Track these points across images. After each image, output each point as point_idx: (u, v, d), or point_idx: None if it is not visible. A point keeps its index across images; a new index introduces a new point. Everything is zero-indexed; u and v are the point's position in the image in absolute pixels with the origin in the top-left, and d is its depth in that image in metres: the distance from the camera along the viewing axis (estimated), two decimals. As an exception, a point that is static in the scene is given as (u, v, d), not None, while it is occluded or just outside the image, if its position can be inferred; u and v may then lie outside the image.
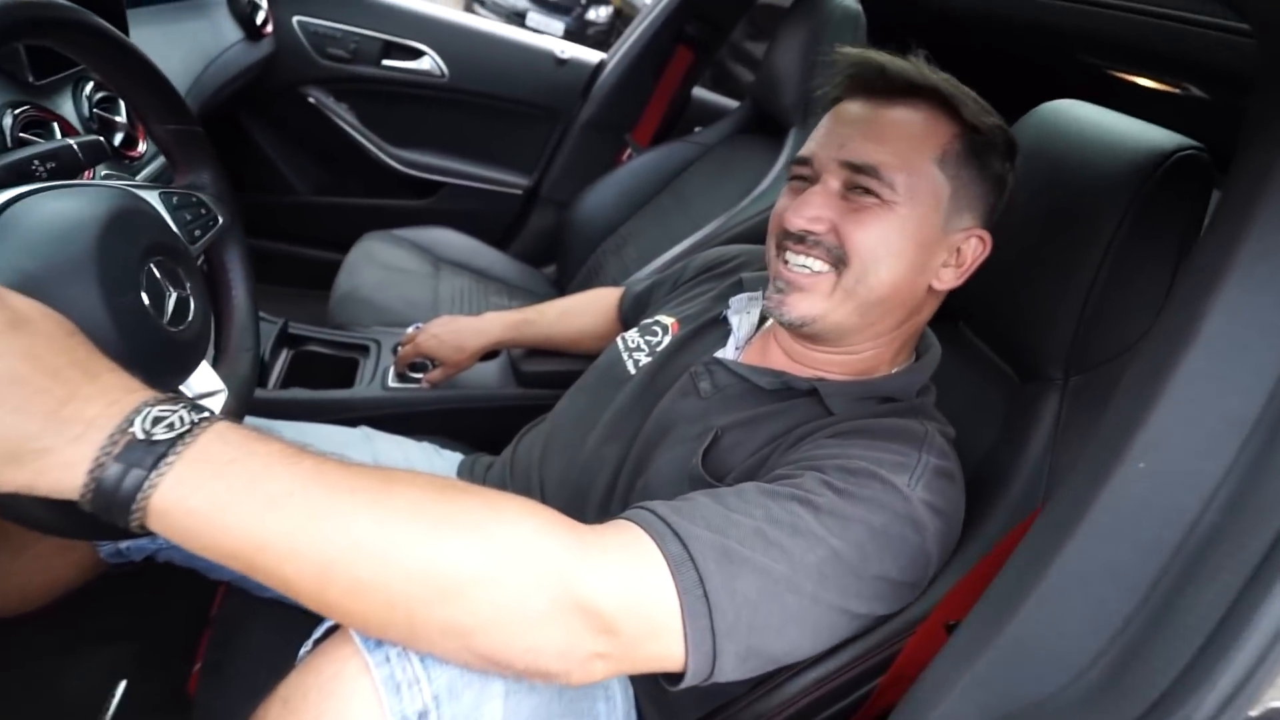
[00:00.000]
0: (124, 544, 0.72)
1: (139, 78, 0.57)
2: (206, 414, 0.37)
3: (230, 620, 0.76)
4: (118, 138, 0.82)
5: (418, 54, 1.55)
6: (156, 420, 0.35)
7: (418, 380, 1.05)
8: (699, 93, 1.80)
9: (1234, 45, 0.77)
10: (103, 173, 0.71)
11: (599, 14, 6.52)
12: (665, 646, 0.43)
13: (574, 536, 0.41)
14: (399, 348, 1.05)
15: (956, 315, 0.86)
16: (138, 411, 0.35)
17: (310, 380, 1.05)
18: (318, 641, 0.45)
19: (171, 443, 0.35)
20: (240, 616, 0.76)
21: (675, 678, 0.45)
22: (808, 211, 0.59)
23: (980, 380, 0.80)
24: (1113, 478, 0.39)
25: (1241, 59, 0.77)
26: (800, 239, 0.59)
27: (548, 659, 0.39)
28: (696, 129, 1.64)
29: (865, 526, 0.48)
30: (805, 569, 0.45)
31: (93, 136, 0.67)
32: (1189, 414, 0.38)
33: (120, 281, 0.49)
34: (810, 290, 0.60)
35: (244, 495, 0.35)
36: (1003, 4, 1.11)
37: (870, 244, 0.58)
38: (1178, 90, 1.04)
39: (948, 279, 0.62)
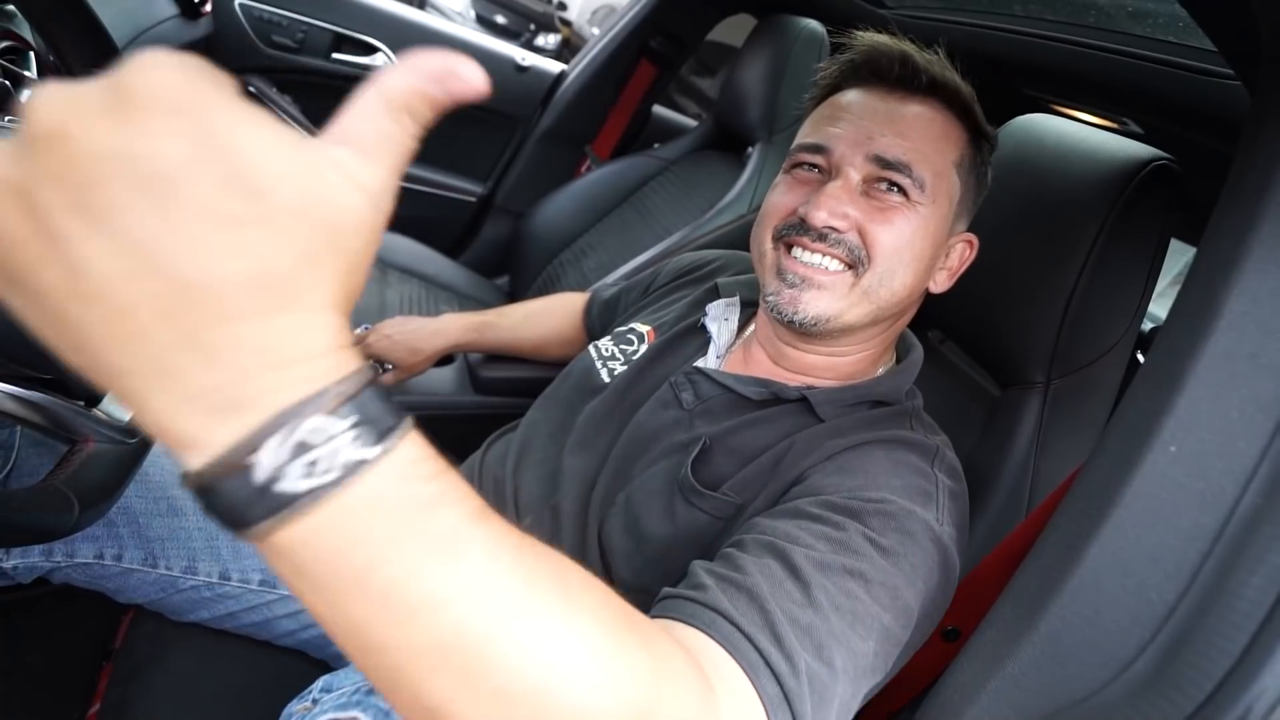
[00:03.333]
0: (10, 562, 0.60)
1: (65, 8, 0.50)
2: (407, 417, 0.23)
3: (138, 651, 0.65)
4: (25, 95, 0.72)
5: (371, 50, 1.48)
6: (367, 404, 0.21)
7: (365, 385, 0.97)
8: (658, 110, 1.81)
9: (1175, 79, 0.83)
10: (5, 121, 0.61)
11: (547, 40, 6.57)
12: None
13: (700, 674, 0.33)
14: (345, 349, 0.97)
15: (928, 324, 0.87)
16: (357, 379, 0.21)
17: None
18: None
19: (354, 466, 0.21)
20: (151, 646, 0.65)
21: None
22: (834, 207, 0.55)
23: (955, 387, 0.81)
24: (1144, 462, 0.38)
25: (1183, 90, 0.83)
26: (821, 236, 0.56)
27: None
28: (655, 145, 1.63)
29: (913, 591, 0.45)
30: (862, 656, 0.41)
31: (-1, 82, 0.58)
32: (1217, 396, 0.38)
33: None
34: (828, 288, 0.56)
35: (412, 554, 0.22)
36: (958, 33, 1.17)
37: (896, 245, 0.56)
38: (1116, 125, 1.12)
39: (941, 282, 0.62)
